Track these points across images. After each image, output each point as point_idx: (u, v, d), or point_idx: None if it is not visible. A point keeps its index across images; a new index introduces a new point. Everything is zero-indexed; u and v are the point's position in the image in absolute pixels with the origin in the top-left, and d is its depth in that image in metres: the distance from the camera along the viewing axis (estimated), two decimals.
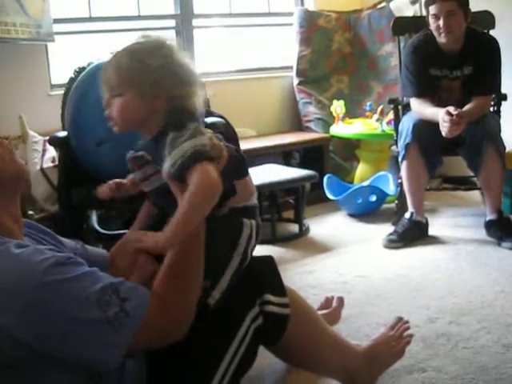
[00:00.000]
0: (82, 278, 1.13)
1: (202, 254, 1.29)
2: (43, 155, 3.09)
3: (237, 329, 1.40)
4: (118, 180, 1.47)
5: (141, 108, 1.32)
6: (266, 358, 1.64)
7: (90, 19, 3.73)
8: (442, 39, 3.09)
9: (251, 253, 1.44)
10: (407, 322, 1.92)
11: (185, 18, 4.06)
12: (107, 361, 1.14)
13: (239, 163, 1.41)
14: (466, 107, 3.00)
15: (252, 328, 1.42)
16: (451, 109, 2.91)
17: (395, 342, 1.83)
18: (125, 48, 1.35)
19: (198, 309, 1.27)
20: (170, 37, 1.41)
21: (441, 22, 3.03)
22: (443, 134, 2.92)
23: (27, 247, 1.14)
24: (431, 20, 3.09)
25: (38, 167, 3.04)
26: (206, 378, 1.34)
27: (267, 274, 1.52)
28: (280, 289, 1.52)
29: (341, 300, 2.18)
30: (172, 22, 4.08)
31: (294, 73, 4.39)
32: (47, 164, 3.06)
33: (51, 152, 3.09)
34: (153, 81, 1.31)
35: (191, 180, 1.21)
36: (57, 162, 2.98)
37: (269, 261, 1.56)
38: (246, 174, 1.47)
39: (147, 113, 1.33)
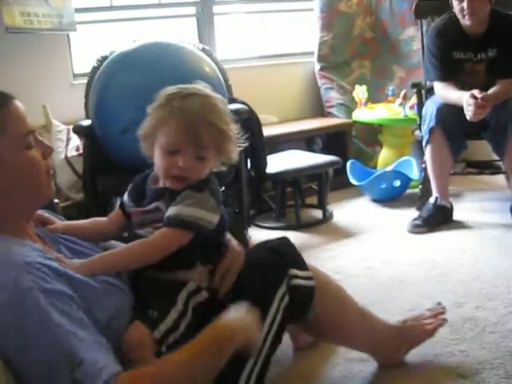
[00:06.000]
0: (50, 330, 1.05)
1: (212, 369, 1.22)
2: (67, 144, 3.11)
3: (268, 309, 1.42)
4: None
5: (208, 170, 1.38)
6: None
7: (111, 8, 3.73)
8: (465, 22, 3.05)
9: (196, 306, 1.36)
10: (444, 307, 1.95)
11: (205, 5, 4.04)
12: None
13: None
14: (491, 90, 2.97)
15: (282, 307, 1.45)
16: (476, 92, 2.88)
17: (428, 320, 1.87)
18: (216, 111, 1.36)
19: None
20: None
21: (465, 4, 2.99)
22: (468, 117, 2.89)
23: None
24: (455, 2, 3.05)
25: (63, 156, 3.06)
26: (241, 360, 1.35)
27: (288, 252, 1.56)
28: (303, 263, 1.57)
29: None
30: (192, 10, 4.07)
31: (315, 58, 4.36)
32: (71, 153, 3.08)
33: (75, 141, 3.11)
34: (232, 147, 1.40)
35: (154, 234, 1.31)
36: (81, 151, 3.01)
37: (286, 240, 1.60)
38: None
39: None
